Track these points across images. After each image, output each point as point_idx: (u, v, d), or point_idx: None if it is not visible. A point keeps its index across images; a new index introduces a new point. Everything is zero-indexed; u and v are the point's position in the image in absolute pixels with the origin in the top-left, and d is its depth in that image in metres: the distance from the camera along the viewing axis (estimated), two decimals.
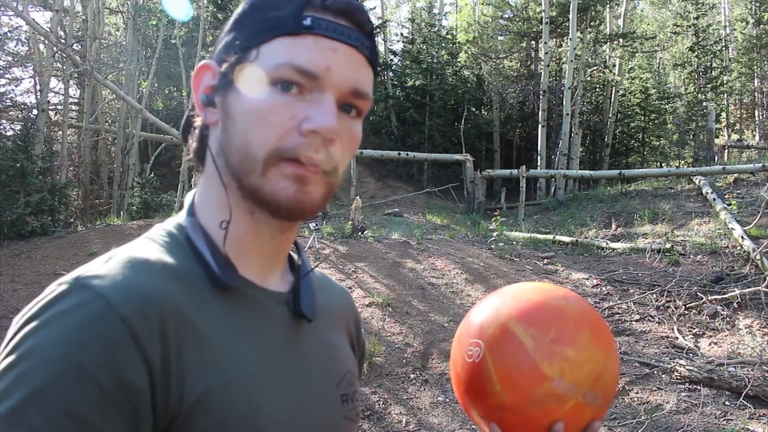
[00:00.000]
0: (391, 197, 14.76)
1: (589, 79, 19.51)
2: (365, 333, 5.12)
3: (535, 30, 19.40)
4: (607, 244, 8.36)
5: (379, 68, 0.67)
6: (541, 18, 16.87)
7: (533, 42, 20.26)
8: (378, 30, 21.15)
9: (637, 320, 5.82)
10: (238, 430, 0.55)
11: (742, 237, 7.19)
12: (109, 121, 16.04)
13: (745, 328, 5.42)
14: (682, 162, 21.12)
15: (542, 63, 16.84)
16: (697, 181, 10.52)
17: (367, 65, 0.62)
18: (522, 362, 0.77)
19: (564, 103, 15.28)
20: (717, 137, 17.88)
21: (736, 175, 10.48)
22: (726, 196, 9.41)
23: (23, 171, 7.12)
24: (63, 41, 10.67)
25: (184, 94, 14.81)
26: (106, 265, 0.55)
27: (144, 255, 0.57)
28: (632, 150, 21.42)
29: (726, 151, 17.48)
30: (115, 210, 11.71)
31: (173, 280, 0.57)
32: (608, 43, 19.71)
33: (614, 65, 19.84)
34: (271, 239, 0.64)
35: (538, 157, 15.59)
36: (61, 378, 0.47)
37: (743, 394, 4.19)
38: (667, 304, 6.08)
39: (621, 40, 19.12)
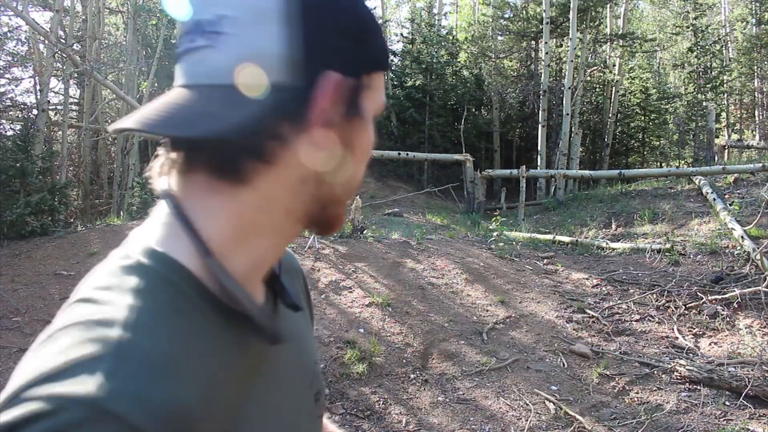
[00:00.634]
0: (391, 197, 14.76)
1: (589, 79, 19.51)
2: (365, 333, 5.12)
3: (535, 30, 19.40)
4: (607, 244, 8.36)
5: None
6: (541, 18, 16.87)
7: (533, 42, 20.26)
8: None
9: (637, 320, 5.82)
10: None
11: (742, 237, 7.19)
12: (109, 121, 16.04)
13: (745, 328, 5.42)
14: (682, 162, 21.13)
15: (542, 63, 16.85)
16: (697, 181, 10.52)
17: None
18: None
19: (564, 103, 15.28)
20: (717, 137, 17.87)
21: (736, 175, 10.48)
22: (726, 196, 9.41)
23: (23, 171, 7.11)
24: (63, 41, 10.68)
25: None
26: (116, 365, 0.41)
27: (160, 337, 0.45)
28: (632, 150, 21.43)
29: (726, 151, 17.48)
30: (115, 210, 11.72)
31: (201, 370, 0.46)
32: (608, 43, 19.72)
33: (614, 65, 19.84)
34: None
35: (538, 157, 15.59)
36: None
37: (743, 394, 4.19)
38: (667, 304, 6.08)
39: (621, 40, 19.12)
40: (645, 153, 21.50)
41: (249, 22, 0.50)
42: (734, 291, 5.95)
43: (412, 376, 4.64)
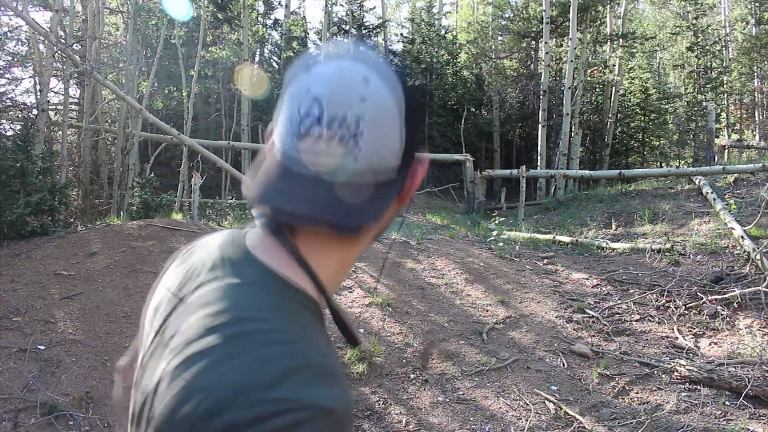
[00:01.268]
0: None
1: (589, 79, 19.51)
2: (365, 333, 5.12)
3: (535, 30, 19.40)
4: (607, 244, 8.35)
5: None
6: (541, 18, 16.86)
7: (533, 42, 20.26)
8: (378, 30, 21.18)
9: (637, 320, 5.82)
10: None
11: (742, 237, 7.18)
12: (109, 121, 16.03)
13: (745, 328, 5.42)
14: (682, 162, 21.12)
15: (542, 63, 16.84)
16: (697, 181, 10.52)
17: None
18: None
19: (564, 103, 15.28)
20: (717, 137, 17.87)
21: (736, 175, 10.47)
22: (726, 196, 9.41)
23: (23, 171, 7.10)
24: (63, 41, 10.67)
25: (184, 94, 14.80)
26: (312, 375, 0.53)
27: (325, 350, 0.58)
28: (632, 150, 21.42)
29: (726, 151, 17.47)
30: (115, 210, 11.71)
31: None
32: (608, 43, 19.71)
33: (614, 65, 19.83)
34: None
35: (538, 157, 15.59)
36: None
37: (743, 394, 4.19)
38: (667, 304, 6.08)
39: (621, 40, 19.11)
40: (645, 153, 21.49)
41: (382, 124, 0.63)
42: (734, 291, 5.94)
43: (412, 376, 4.64)
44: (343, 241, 0.66)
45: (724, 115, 21.18)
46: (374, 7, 24.81)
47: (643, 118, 20.63)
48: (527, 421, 4.03)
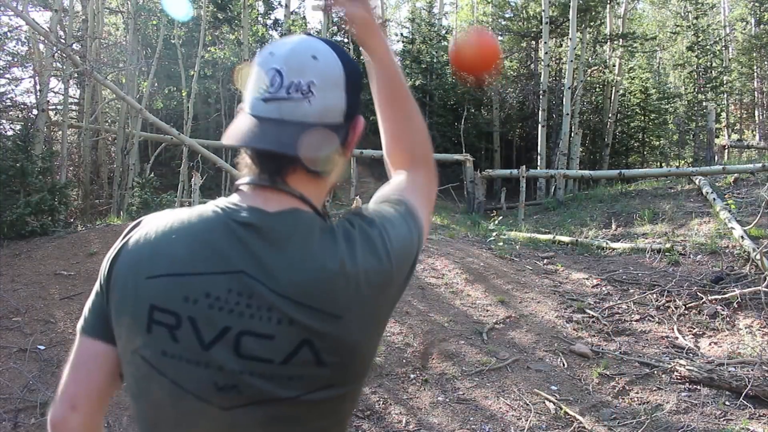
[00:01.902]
0: None
1: (589, 79, 19.51)
2: None
3: (535, 30, 19.40)
4: (607, 244, 8.36)
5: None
6: (541, 18, 16.86)
7: (533, 42, 20.26)
8: None
9: (637, 320, 5.82)
10: None
11: (742, 237, 7.18)
12: (109, 121, 16.03)
13: (745, 328, 5.42)
14: (682, 162, 21.12)
15: (542, 63, 16.84)
16: (697, 181, 10.52)
17: None
18: None
19: (564, 103, 15.28)
20: (717, 137, 17.88)
21: (736, 175, 10.47)
22: (726, 196, 9.41)
23: (23, 171, 7.11)
24: (63, 41, 10.67)
25: (183, 94, 14.80)
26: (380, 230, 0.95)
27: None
28: (632, 150, 21.42)
29: (726, 151, 17.48)
30: (115, 210, 11.70)
31: None
32: (608, 43, 19.71)
33: (614, 65, 19.83)
34: None
35: (538, 157, 15.59)
36: None
37: (743, 394, 4.19)
38: (667, 304, 6.08)
39: (621, 40, 19.11)
40: (645, 153, 21.50)
41: (327, 89, 0.86)
42: (734, 291, 5.94)
43: (412, 376, 4.64)
44: (313, 179, 0.89)
45: (724, 115, 21.19)
46: (374, 7, 24.78)
47: (643, 118, 20.63)
48: (527, 421, 4.03)
